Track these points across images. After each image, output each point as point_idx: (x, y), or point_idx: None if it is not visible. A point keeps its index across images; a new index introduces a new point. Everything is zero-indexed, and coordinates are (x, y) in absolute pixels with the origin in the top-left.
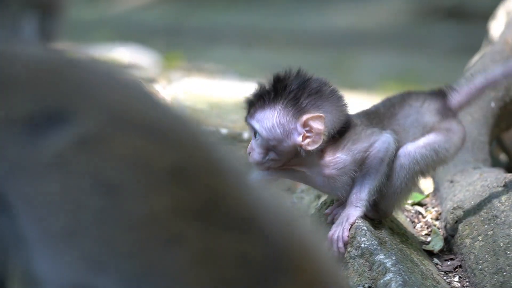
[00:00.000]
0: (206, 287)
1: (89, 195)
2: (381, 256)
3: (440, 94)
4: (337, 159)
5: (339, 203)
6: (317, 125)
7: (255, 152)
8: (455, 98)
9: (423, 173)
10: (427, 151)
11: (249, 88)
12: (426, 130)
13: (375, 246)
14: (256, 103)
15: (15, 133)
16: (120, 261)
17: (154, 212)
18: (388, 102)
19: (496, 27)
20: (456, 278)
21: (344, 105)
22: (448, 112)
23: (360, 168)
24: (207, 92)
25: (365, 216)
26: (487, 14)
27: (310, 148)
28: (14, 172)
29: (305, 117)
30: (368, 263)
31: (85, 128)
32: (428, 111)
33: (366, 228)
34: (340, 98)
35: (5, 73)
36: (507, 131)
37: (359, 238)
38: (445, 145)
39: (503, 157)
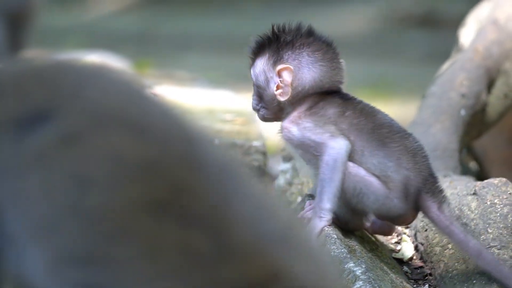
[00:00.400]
0: (149, 278)
1: (63, 190)
2: (351, 264)
3: (431, 187)
4: (291, 127)
5: (312, 207)
6: (286, 76)
7: (252, 98)
8: (433, 209)
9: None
10: (356, 181)
11: (220, 96)
12: (381, 177)
13: (344, 254)
14: (255, 51)
15: (1, 135)
16: (77, 255)
17: (115, 204)
18: (403, 135)
19: (466, 34)
20: (426, 286)
21: (330, 70)
22: (411, 198)
23: (312, 163)
24: (178, 100)
25: (335, 225)
26: (458, 21)
27: (281, 99)
28: (1, 172)
29: (279, 66)
30: (338, 271)
31: (65, 127)
32: (404, 177)
33: (336, 236)
34: (327, 61)
35: None
36: (477, 139)
37: (328, 246)
38: (372, 196)
39: (473, 165)
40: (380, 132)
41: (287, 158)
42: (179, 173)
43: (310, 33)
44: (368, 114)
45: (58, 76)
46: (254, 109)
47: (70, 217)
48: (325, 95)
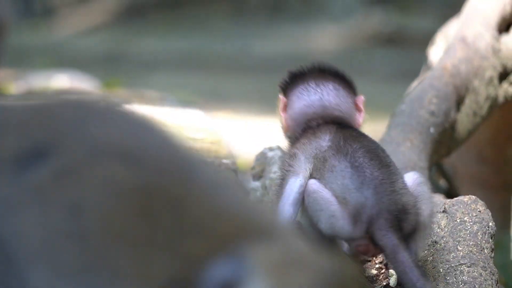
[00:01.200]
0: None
1: (60, 220)
2: None
3: (393, 222)
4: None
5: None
6: (282, 109)
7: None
8: (389, 245)
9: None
10: (315, 197)
11: (189, 114)
12: (339, 197)
13: None
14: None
15: (3, 172)
16: (76, 270)
17: (111, 225)
18: (383, 164)
19: (435, 52)
20: None
21: (319, 99)
22: (361, 225)
23: None
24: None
25: None
26: (427, 40)
27: (284, 132)
28: (2, 208)
29: (280, 99)
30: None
31: (62, 161)
32: (359, 202)
33: None
34: (318, 91)
35: None
36: (447, 156)
37: None
38: (324, 213)
39: (442, 182)
40: (356, 156)
41: (257, 177)
42: (172, 191)
43: (321, 69)
44: (354, 139)
45: (58, 113)
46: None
47: (68, 241)
48: (322, 125)
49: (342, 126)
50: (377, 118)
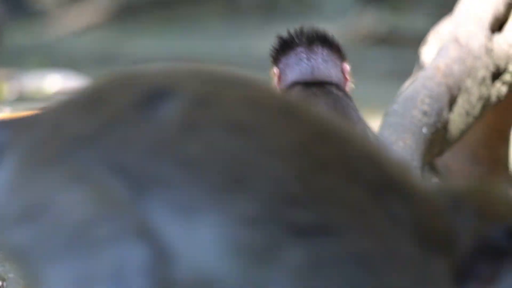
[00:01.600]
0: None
1: (224, 141)
2: None
3: None
4: None
5: None
6: (276, 82)
7: None
8: None
9: None
10: None
11: None
12: None
13: None
14: None
15: (133, 115)
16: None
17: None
18: None
19: (428, 52)
20: None
21: (309, 65)
22: None
23: None
24: None
25: None
26: (419, 40)
27: None
28: (145, 149)
29: (274, 72)
30: None
31: (189, 97)
32: None
33: None
34: (308, 58)
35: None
36: (439, 156)
37: None
38: None
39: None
40: None
41: None
42: (311, 116)
43: (311, 35)
44: (318, 97)
45: (172, 68)
46: None
47: (239, 161)
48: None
49: (312, 87)
50: (370, 117)
